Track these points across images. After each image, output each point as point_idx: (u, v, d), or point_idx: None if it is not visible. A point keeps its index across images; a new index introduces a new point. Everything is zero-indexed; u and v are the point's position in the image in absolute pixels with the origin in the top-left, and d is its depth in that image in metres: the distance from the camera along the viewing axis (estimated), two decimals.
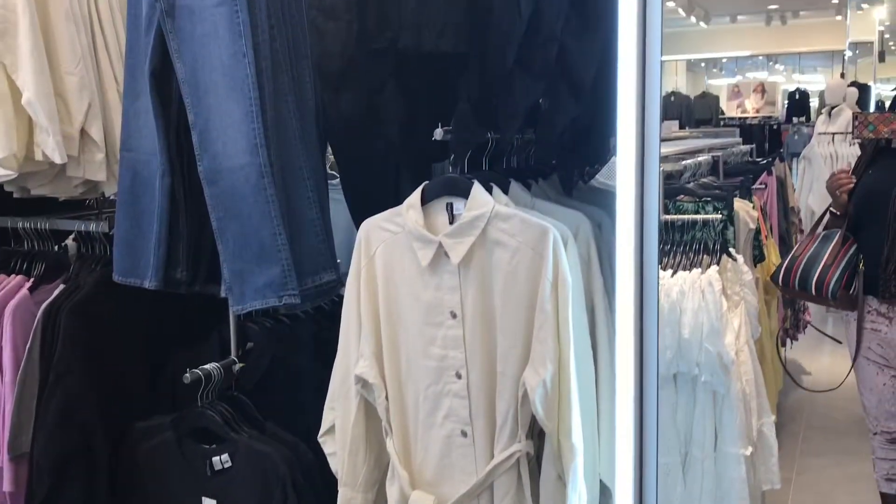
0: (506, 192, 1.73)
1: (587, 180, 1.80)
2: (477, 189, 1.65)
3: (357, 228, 2.31)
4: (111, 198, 2.49)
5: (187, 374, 1.98)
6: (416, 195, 1.70)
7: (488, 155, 1.80)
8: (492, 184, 1.69)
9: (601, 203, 1.90)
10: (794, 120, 11.79)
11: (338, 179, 2.32)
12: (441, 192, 1.69)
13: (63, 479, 2.03)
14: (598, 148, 1.76)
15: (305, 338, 2.20)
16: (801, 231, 4.89)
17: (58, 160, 2.13)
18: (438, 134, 1.68)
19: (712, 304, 2.71)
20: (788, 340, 4.58)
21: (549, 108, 1.69)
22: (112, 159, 2.25)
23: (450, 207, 1.68)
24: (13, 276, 2.27)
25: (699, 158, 3.59)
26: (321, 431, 1.87)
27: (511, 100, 1.60)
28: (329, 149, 2.13)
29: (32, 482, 2.05)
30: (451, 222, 1.67)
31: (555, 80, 1.62)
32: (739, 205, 3.32)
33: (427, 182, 1.71)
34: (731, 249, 2.93)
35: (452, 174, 1.71)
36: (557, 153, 1.76)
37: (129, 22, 2.01)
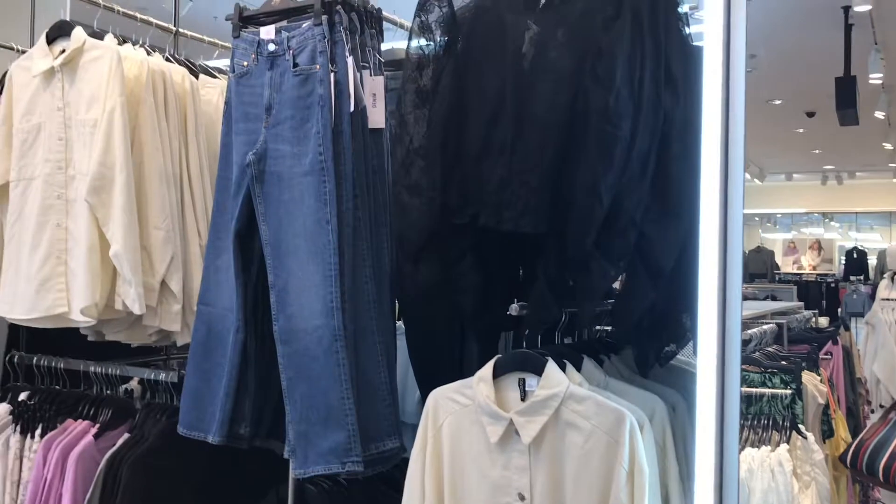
0: (578, 368, 1.72)
1: (663, 363, 1.78)
2: (551, 367, 1.64)
3: (419, 388, 2.32)
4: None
5: None
6: (487, 369, 1.70)
7: (561, 329, 1.80)
8: (565, 361, 1.68)
9: (674, 382, 1.87)
10: (852, 278, 11.65)
11: None
12: (513, 367, 1.68)
13: None
14: (675, 330, 1.74)
15: (362, 503, 2.15)
16: (868, 402, 4.71)
17: (137, 311, 2.19)
18: (514, 309, 1.69)
19: (783, 485, 2.61)
20: None
21: (626, 291, 1.70)
22: (187, 311, 2.31)
23: (522, 383, 1.67)
24: (80, 421, 2.29)
25: (764, 327, 3.53)
26: None
27: (589, 282, 1.61)
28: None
29: None
30: (523, 399, 1.65)
31: (634, 264, 1.63)
32: (807, 378, 3.22)
33: (499, 356, 1.71)
34: (800, 426, 2.83)
35: (525, 349, 1.71)
36: (634, 334, 1.75)
37: (218, 184, 2.10)
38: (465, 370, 2.08)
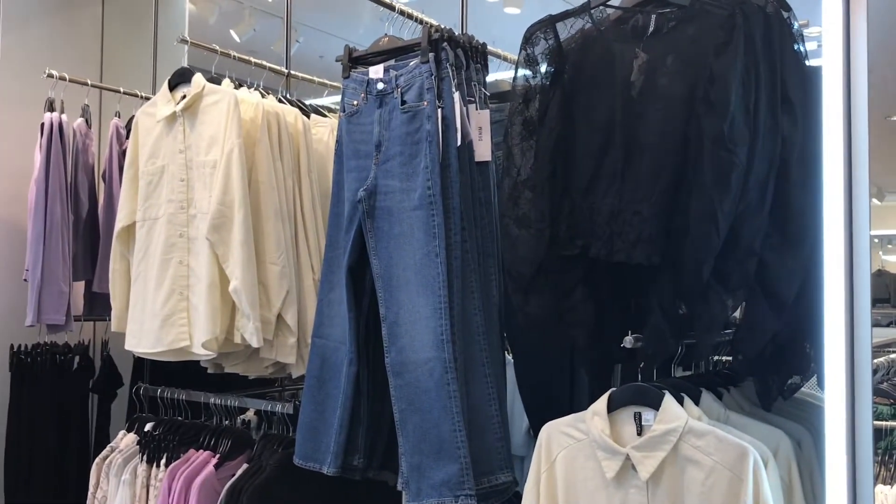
0: (696, 402, 1.66)
1: (787, 396, 1.71)
2: (668, 400, 1.59)
3: (528, 417, 2.30)
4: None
5: None
6: (602, 402, 1.67)
7: (677, 361, 1.75)
8: (682, 395, 1.64)
9: (798, 416, 1.79)
10: None
11: None
12: (629, 400, 1.65)
13: None
14: (799, 362, 1.67)
15: None
16: None
17: (255, 344, 2.27)
18: (629, 342, 1.66)
19: None
20: None
21: (748, 321, 1.64)
22: (302, 343, 2.37)
23: (638, 417, 1.63)
24: (201, 451, 2.37)
25: (891, 356, 3.33)
26: None
27: (706, 312, 1.57)
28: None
29: None
30: (640, 433, 1.61)
31: (754, 293, 1.58)
32: None
33: (614, 389, 1.68)
34: None
35: (641, 382, 1.67)
36: (755, 366, 1.68)
37: (330, 220, 2.16)
38: (575, 404, 2.05)
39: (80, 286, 3.01)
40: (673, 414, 1.58)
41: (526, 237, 1.74)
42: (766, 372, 1.70)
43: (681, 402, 1.62)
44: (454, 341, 1.90)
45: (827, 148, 1.46)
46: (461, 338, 1.92)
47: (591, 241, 1.67)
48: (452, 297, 1.91)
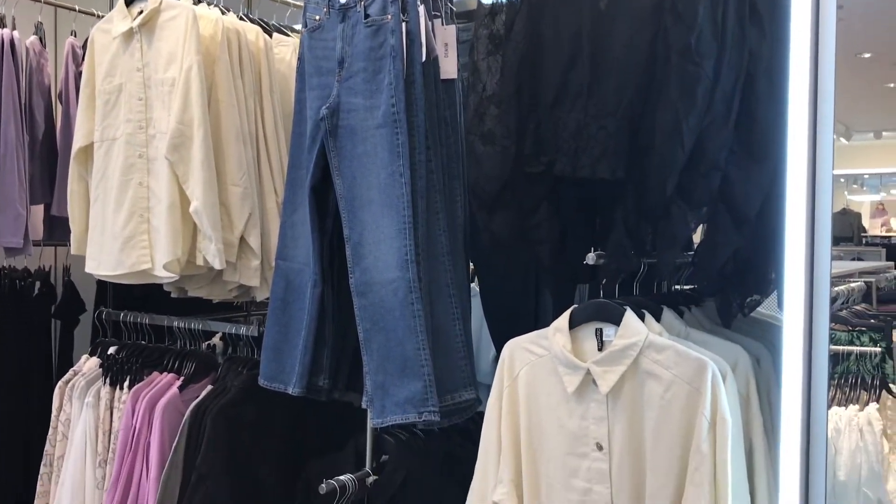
0: (658, 319, 1.68)
1: (746, 313, 1.72)
2: (629, 316, 1.60)
3: (494, 344, 2.31)
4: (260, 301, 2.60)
5: (323, 485, 1.98)
6: (563, 319, 1.67)
7: (639, 280, 1.76)
8: (643, 311, 1.65)
9: (758, 335, 1.81)
10: None
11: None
12: (591, 316, 1.65)
13: None
14: (759, 280, 1.68)
15: (439, 454, 2.17)
16: None
17: (218, 266, 2.24)
18: (591, 258, 1.66)
19: (871, 445, 2.52)
20: None
21: (710, 238, 1.64)
22: (266, 266, 2.34)
23: (599, 333, 1.64)
24: (165, 373, 2.36)
25: (852, 284, 3.39)
26: None
27: (669, 229, 1.56)
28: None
29: None
30: (601, 349, 1.62)
31: (717, 210, 1.57)
32: None
33: (576, 306, 1.68)
34: (891, 385, 2.73)
35: (603, 299, 1.68)
36: (716, 282, 1.69)
37: (293, 139, 2.12)
38: (539, 324, 2.05)
39: (39, 211, 2.94)
40: (633, 329, 1.59)
41: (491, 153, 1.72)
42: (727, 288, 1.71)
43: (642, 318, 1.63)
44: (418, 262, 1.89)
45: (793, 84, 1.43)
46: (425, 258, 1.91)
47: (556, 157, 1.66)
48: (417, 218, 1.89)
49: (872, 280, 3.86)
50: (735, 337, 1.74)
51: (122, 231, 2.33)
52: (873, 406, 2.57)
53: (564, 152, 1.64)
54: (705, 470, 1.47)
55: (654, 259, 1.70)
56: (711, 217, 1.61)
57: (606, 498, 1.58)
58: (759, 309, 1.95)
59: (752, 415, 1.62)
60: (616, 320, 1.62)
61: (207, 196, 2.23)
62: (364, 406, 1.98)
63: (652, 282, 1.92)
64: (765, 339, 1.78)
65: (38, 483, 2.47)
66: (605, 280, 1.67)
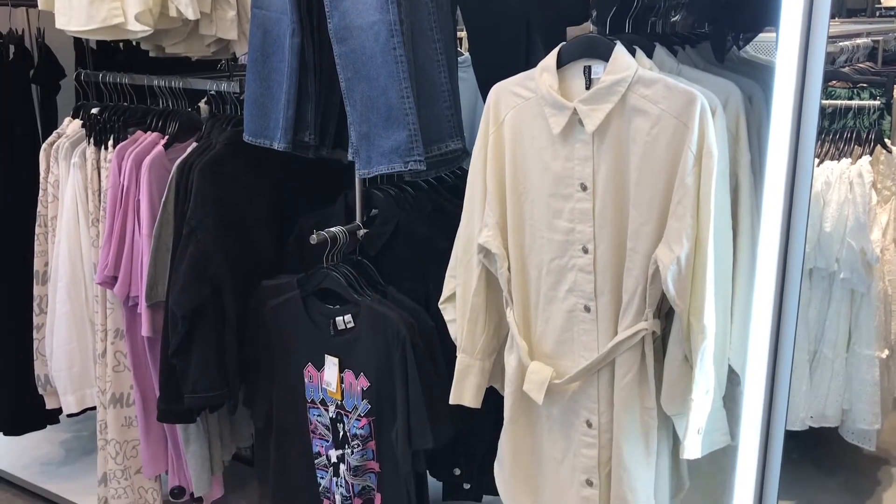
0: (650, 56, 1.61)
1: (741, 46, 1.65)
2: (619, 50, 1.53)
3: (483, 98, 2.25)
4: (242, 61, 2.51)
5: (314, 235, 2.01)
6: (551, 57, 1.60)
7: (632, 16, 1.67)
8: (635, 47, 1.57)
9: (752, 75, 1.75)
10: None
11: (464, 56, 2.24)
12: (579, 53, 1.58)
13: (195, 328, 2.12)
14: (755, 13, 1.59)
15: (428, 208, 2.18)
16: None
17: (191, 16, 2.13)
18: None
19: (860, 196, 2.53)
20: None
21: None
22: (243, 18, 2.24)
23: (587, 71, 1.58)
24: (149, 132, 2.32)
25: (857, 41, 3.27)
26: (442, 299, 1.86)
27: None
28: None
29: (168, 329, 2.15)
30: (588, 87, 1.57)
31: None
32: None
33: (564, 43, 1.61)
34: (886, 140, 2.70)
35: (592, 34, 1.60)
36: (710, 17, 1.60)
37: None
38: None
39: None
40: (623, 64, 1.53)
41: None
42: (721, 23, 1.62)
43: (633, 54, 1.56)
44: (399, 3, 1.80)
45: None
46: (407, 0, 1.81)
47: None
48: None
49: (880, 39, 3.72)
50: (728, 75, 1.68)
51: None
52: (866, 159, 2.56)
53: None
54: (688, 203, 1.47)
55: None
56: None
57: (589, 236, 1.59)
58: (755, 53, 1.88)
59: (741, 152, 1.59)
60: (605, 56, 1.55)
61: None
62: (350, 158, 1.96)
63: (647, 22, 1.82)
64: (758, 79, 1.72)
65: (35, 243, 2.51)
66: (594, 14, 1.58)
